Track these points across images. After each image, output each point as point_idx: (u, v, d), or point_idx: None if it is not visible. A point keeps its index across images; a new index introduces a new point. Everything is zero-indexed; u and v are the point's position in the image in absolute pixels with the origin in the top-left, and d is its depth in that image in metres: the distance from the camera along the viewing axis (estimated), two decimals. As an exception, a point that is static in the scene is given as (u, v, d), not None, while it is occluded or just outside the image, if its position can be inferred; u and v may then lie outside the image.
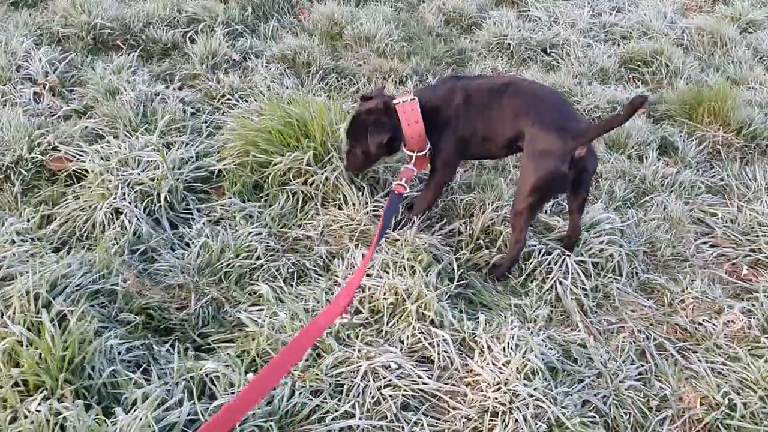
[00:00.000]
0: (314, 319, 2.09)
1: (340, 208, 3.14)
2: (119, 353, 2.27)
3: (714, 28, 5.58)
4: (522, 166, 2.77)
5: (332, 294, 2.65)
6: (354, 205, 3.13)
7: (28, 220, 2.89)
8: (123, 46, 4.47)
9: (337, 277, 2.76)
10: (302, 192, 3.18)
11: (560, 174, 2.65)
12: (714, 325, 2.82)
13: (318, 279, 2.80)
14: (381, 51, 4.82)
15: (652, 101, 4.61)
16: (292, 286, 2.74)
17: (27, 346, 2.10)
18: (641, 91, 4.75)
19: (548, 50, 5.16)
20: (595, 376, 2.51)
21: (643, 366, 2.62)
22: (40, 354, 2.09)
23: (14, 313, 2.23)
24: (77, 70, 4.12)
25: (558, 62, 5.02)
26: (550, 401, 2.26)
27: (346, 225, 3.06)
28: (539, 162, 2.66)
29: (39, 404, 1.97)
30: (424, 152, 2.95)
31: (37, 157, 3.20)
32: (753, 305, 2.93)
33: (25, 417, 1.94)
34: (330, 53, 4.71)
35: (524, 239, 2.85)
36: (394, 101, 2.96)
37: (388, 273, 2.71)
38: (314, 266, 2.87)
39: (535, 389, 2.27)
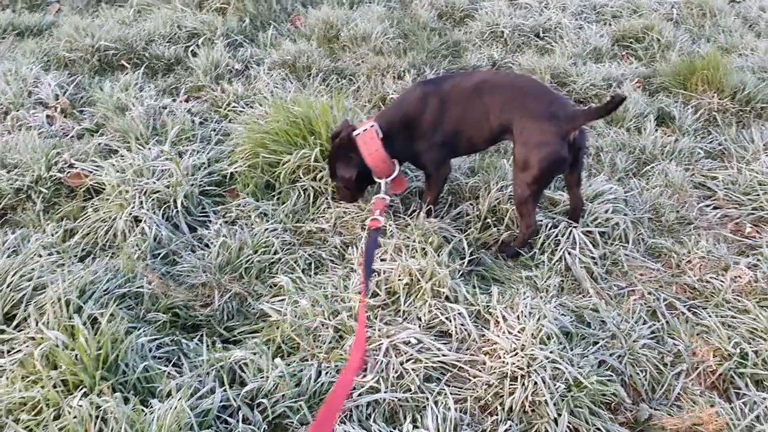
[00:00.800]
0: (334, 389, 2.09)
1: (350, 200, 3.25)
2: (150, 350, 2.38)
3: (702, 0, 5.65)
4: (519, 155, 2.79)
5: (349, 280, 2.74)
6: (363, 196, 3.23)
7: (52, 235, 3.01)
8: (128, 65, 4.60)
9: (353, 264, 2.86)
10: (312, 188, 3.29)
11: (561, 159, 2.75)
12: (721, 281, 2.90)
13: (335, 267, 2.90)
14: (378, 49, 4.91)
15: (646, 75, 4.69)
16: (310, 276, 2.84)
17: (63, 349, 2.21)
18: (635, 66, 4.82)
19: (541, 35, 5.25)
20: (609, 338, 2.59)
21: (655, 325, 2.69)
22: (77, 355, 2.20)
23: (48, 320, 2.35)
24: (85, 91, 4.25)
25: (552, 45, 5.10)
26: (566, 363, 2.35)
27: (357, 215, 3.16)
28: (539, 150, 2.72)
29: (80, 401, 2.07)
30: (392, 177, 2.99)
31: (55, 175, 3.32)
32: (758, 260, 3.01)
33: (69, 413, 2.05)
34: (328, 55, 4.82)
35: (534, 223, 2.94)
36: (355, 132, 2.97)
37: (401, 256, 2.81)
38: (330, 256, 2.97)
39: (551, 352, 2.36)
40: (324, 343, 2.45)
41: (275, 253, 2.93)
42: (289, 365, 2.35)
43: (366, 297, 2.52)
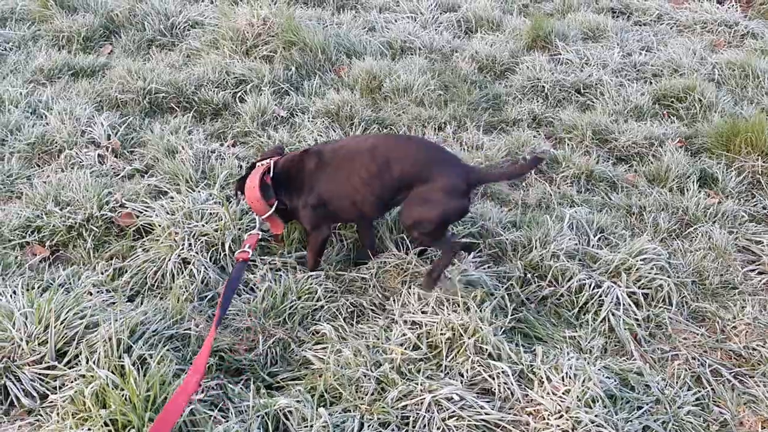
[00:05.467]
0: (168, 403, 2.17)
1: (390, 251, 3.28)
2: (196, 393, 2.40)
3: (744, 61, 5.66)
4: (417, 208, 2.81)
5: (391, 331, 2.76)
6: (402, 248, 3.27)
7: (102, 273, 3.08)
8: (177, 108, 4.73)
9: (394, 315, 2.88)
10: (355, 239, 3.34)
11: (465, 210, 2.89)
12: (769, 350, 2.86)
13: (376, 317, 2.92)
14: (419, 100, 4.99)
15: (688, 135, 4.69)
16: (352, 325, 2.87)
17: (113, 388, 2.25)
18: (677, 126, 4.83)
19: (582, 91, 5.29)
20: (653, 403, 2.56)
21: (700, 392, 2.66)
22: (126, 395, 2.23)
23: (99, 358, 2.40)
24: (136, 132, 4.38)
25: (593, 102, 5.14)
26: (611, 427, 2.33)
27: (397, 266, 3.18)
28: (446, 199, 2.77)
29: (129, 442, 2.11)
30: (264, 216, 3.00)
31: (106, 215, 3.40)
32: (807, 330, 2.96)
33: (118, 453, 2.08)
34: (371, 105, 4.90)
35: (453, 245, 2.94)
36: (258, 163, 3.05)
37: (443, 309, 2.82)
38: (371, 305, 3.00)
39: (596, 416, 2.34)
40: (366, 395, 2.46)
41: (318, 300, 2.96)
42: (331, 415, 2.36)
43: (216, 328, 2.53)
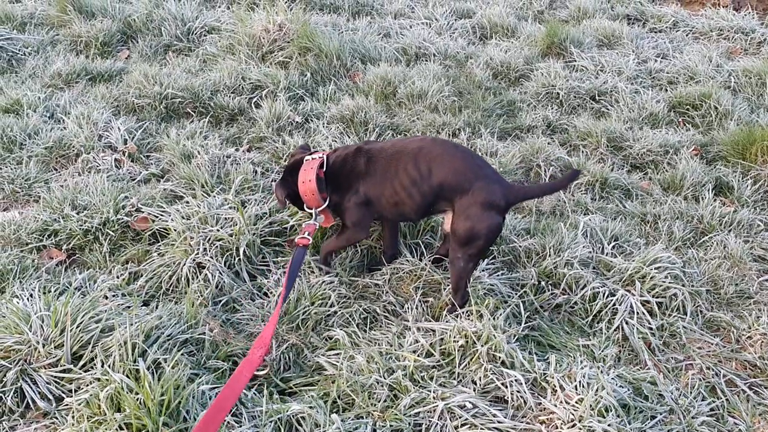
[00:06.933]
0: (234, 374, 2.25)
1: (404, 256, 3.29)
2: (210, 398, 2.42)
3: (761, 69, 5.62)
4: (463, 226, 2.76)
5: (404, 338, 2.77)
6: (416, 254, 3.28)
7: (118, 277, 3.11)
8: (193, 113, 4.77)
9: (407, 321, 2.89)
10: (369, 244, 3.35)
11: (500, 230, 2.82)
12: (785, 361, 2.84)
13: (389, 324, 2.92)
14: (433, 106, 5.01)
15: (703, 143, 4.67)
16: (365, 331, 2.88)
17: (128, 392, 2.27)
18: (692, 133, 4.81)
19: (597, 98, 5.28)
20: (667, 413, 2.55)
21: (714, 402, 2.65)
22: (141, 399, 2.25)
23: (114, 362, 2.42)
24: (152, 137, 4.41)
25: (608, 109, 5.13)
26: (624, 437, 2.32)
27: (411, 272, 3.19)
28: (487, 221, 2.74)
29: (143, 445, 2.13)
30: (320, 208, 3.01)
31: (122, 219, 3.43)
32: (823, 340, 2.94)
33: (132, 457, 2.09)
34: (385, 111, 4.92)
35: (469, 295, 2.91)
36: (306, 157, 3.05)
37: (457, 317, 2.82)
38: (384, 311, 3.01)
39: (609, 425, 2.33)
40: (379, 401, 2.47)
41: (331, 305, 2.97)
42: (344, 421, 2.37)
43: (283, 303, 2.67)
